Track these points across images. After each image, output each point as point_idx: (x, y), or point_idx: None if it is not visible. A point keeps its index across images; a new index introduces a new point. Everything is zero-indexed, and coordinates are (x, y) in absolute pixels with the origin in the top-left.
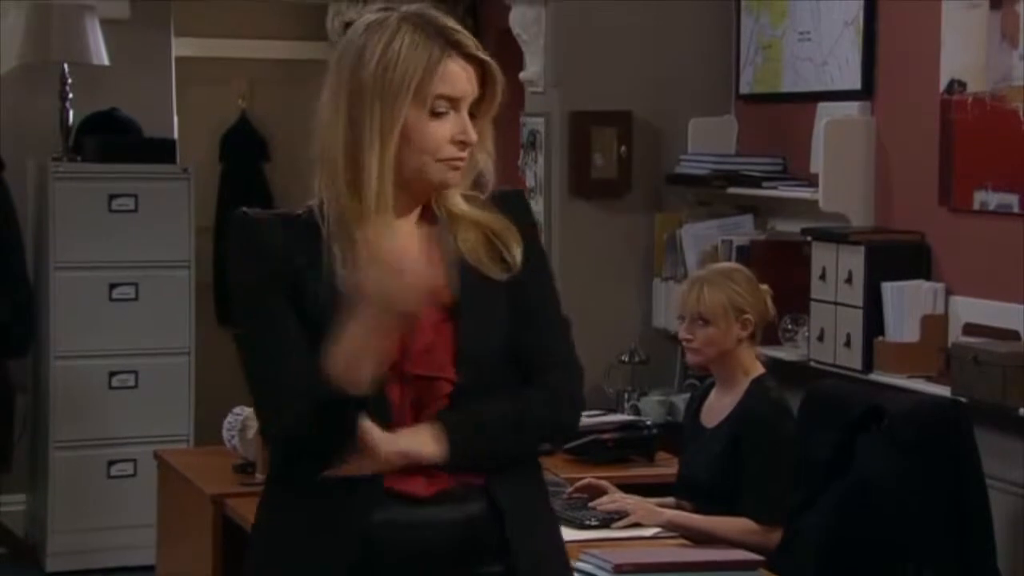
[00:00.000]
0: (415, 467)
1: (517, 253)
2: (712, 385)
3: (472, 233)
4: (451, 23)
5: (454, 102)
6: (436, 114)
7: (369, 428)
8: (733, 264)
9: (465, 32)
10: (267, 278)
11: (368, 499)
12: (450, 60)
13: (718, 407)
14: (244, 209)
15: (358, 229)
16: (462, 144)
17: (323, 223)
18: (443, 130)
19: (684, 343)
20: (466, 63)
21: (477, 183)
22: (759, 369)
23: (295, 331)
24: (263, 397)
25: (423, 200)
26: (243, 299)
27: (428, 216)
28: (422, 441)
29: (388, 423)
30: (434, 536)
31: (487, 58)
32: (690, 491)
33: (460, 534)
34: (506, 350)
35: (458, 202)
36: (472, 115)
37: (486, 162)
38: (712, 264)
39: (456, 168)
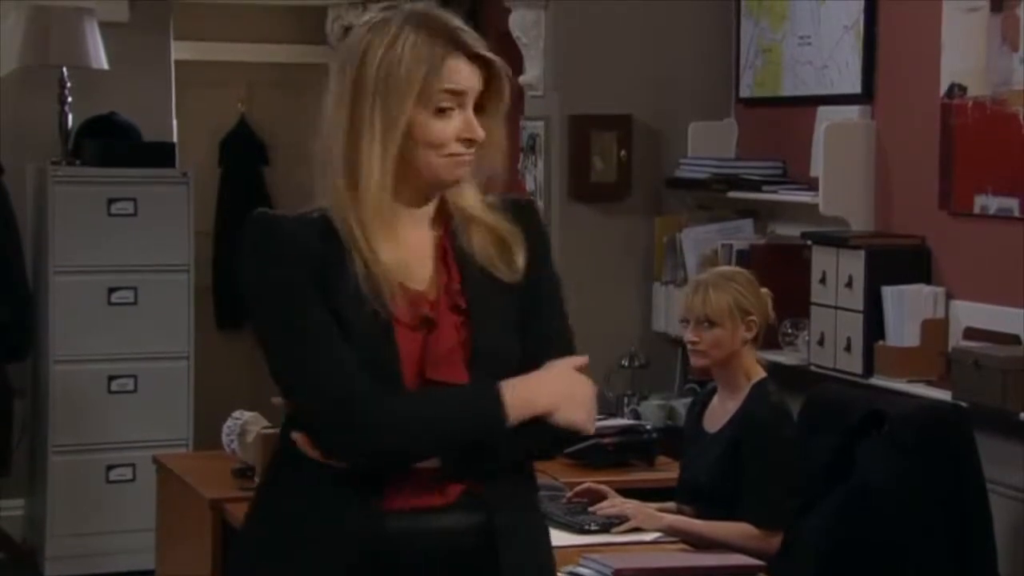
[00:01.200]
0: (426, 478)
1: (521, 259)
2: (714, 390)
3: (483, 235)
4: (455, 22)
5: (458, 97)
6: (441, 110)
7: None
8: (734, 267)
9: (469, 30)
10: (305, 281)
11: (375, 505)
12: (452, 57)
13: (720, 412)
14: (263, 210)
15: (364, 235)
16: (468, 141)
17: (339, 226)
18: (449, 127)
19: (690, 346)
20: (469, 60)
21: (489, 182)
22: (760, 373)
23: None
24: (338, 415)
25: (434, 198)
26: (278, 305)
27: (443, 215)
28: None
29: None
30: (439, 545)
31: (491, 56)
32: (691, 496)
33: (461, 544)
34: (517, 353)
35: (473, 202)
36: (480, 111)
37: (499, 160)
38: (712, 268)
39: (463, 164)
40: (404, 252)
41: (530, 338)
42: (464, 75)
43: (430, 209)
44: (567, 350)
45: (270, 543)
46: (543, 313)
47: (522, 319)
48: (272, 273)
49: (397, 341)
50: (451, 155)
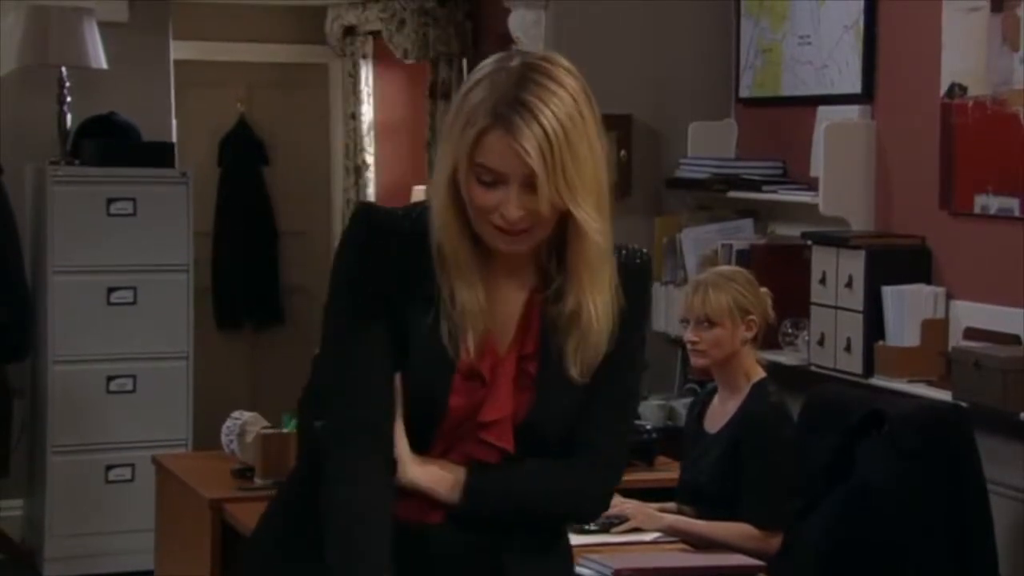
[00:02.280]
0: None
1: (596, 363)
2: (714, 390)
3: (576, 321)
4: (524, 94)
5: (494, 173)
6: (481, 182)
7: (402, 447)
8: (734, 267)
9: (536, 106)
10: (373, 292)
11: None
12: (492, 132)
13: (721, 412)
14: (369, 202)
15: (447, 270)
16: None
17: (433, 245)
18: (490, 198)
19: (690, 346)
20: (518, 140)
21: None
22: (760, 373)
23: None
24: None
25: (525, 259)
26: (339, 305)
27: (543, 274)
28: (442, 481)
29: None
30: (434, 557)
31: (535, 146)
32: (692, 496)
33: (449, 562)
34: (568, 435)
35: (592, 271)
36: (532, 191)
37: (583, 248)
38: (712, 268)
39: (514, 241)
40: (489, 301)
41: (578, 431)
42: (498, 155)
43: (526, 265)
44: (609, 454)
45: (289, 540)
46: (595, 416)
47: (582, 404)
48: (349, 271)
49: (450, 388)
50: (494, 226)
